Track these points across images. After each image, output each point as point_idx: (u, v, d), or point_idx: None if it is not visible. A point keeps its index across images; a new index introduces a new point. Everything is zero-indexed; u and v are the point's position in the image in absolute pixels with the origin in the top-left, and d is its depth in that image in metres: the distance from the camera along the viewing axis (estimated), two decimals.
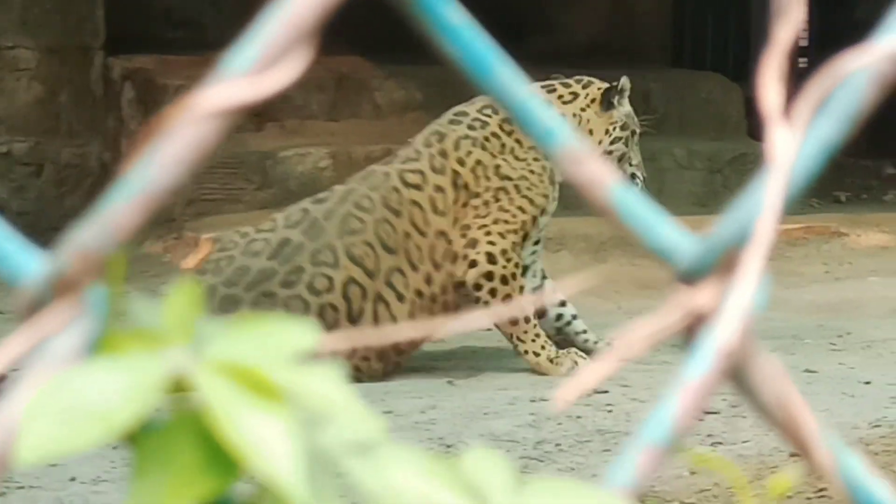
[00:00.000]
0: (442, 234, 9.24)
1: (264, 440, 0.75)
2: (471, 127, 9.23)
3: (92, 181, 10.67)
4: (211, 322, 0.80)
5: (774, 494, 0.85)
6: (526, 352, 9.06)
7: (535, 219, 9.25)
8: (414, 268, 9.23)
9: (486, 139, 9.35)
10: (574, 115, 9.38)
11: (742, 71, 14.05)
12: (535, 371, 9.02)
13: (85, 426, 0.74)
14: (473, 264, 9.03)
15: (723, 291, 0.82)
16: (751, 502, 0.84)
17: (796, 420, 0.84)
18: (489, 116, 9.27)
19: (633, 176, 9.17)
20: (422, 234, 9.11)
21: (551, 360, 9.17)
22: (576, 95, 9.35)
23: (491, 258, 8.92)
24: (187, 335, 0.78)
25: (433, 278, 9.13)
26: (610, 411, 7.99)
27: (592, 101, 9.14)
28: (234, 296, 8.61)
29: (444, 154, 9.23)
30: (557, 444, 7.31)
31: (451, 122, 9.23)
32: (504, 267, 8.94)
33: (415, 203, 9.24)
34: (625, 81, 9.01)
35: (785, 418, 0.84)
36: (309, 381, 0.77)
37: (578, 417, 7.68)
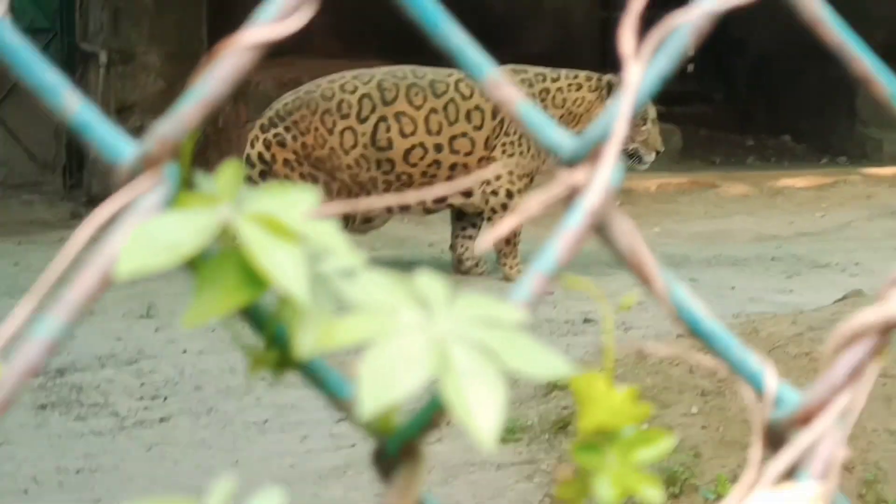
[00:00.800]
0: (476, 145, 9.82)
1: (282, 265, 0.86)
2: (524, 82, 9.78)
3: (197, 147, 11.33)
4: (247, 189, 0.90)
5: (624, 307, 1.03)
6: (505, 264, 9.77)
7: (538, 167, 9.78)
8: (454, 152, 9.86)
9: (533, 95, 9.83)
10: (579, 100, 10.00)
11: None
12: (507, 279, 9.81)
13: (163, 254, 0.85)
14: (495, 193, 9.62)
15: (591, 172, 0.94)
16: (610, 317, 1.02)
17: (641, 260, 0.95)
18: (542, 79, 9.85)
19: (634, 152, 9.64)
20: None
21: (520, 273, 9.81)
22: (580, 86, 9.90)
23: (509, 194, 9.32)
24: (231, 197, 0.89)
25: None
26: (555, 307, 8.54)
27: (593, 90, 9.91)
28: None
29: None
30: None
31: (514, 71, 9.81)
32: (511, 204, 9.61)
33: (477, 108, 9.70)
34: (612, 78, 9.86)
35: (634, 260, 0.95)
36: (314, 228, 0.89)
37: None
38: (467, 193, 9.97)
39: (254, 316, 0.93)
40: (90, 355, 8.35)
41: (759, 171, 13.92)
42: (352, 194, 9.85)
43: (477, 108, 9.96)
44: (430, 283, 0.91)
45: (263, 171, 9.90)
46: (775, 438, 1.01)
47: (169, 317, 8.95)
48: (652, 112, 9.97)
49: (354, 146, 9.97)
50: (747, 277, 10.01)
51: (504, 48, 14.36)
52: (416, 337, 0.87)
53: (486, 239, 0.95)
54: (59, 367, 8.18)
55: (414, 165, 10.03)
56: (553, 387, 7.26)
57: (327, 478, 6.75)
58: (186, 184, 0.92)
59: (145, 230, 0.88)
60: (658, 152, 10.07)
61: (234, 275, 0.89)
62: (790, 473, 0.98)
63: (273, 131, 9.99)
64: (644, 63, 0.95)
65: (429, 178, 9.95)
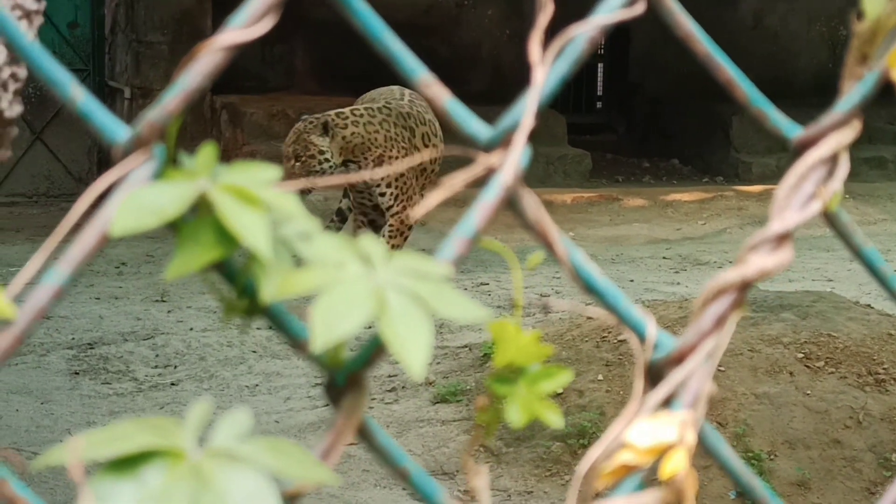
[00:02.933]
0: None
1: (249, 227, 0.84)
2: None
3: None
4: (221, 167, 0.88)
5: (530, 266, 1.01)
6: (394, 246, 9.23)
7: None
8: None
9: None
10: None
11: (565, 106, 14.75)
12: None
13: (150, 217, 0.83)
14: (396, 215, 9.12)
15: (504, 155, 0.92)
16: (518, 270, 1.01)
17: (545, 229, 0.96)
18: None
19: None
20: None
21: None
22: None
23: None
24: (208, 172, 0.87)
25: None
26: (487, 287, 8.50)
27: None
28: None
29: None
30: None
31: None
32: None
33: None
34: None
35: (539, 228, 0.96)
36: (276, 198, 0.86)
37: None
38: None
39: (227, 271, 0.90)
40: (115, 332, 8.31)
41: (653, 188, 13.96)
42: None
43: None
44: (372, 243, 0.89)
45: None
46: (655, 376, 0.99)
47: (179, 301, 8.94)
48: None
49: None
50: (643, 272, 10.03)
51: (450, 86, 14.45)
52: (359, 285, 0.85)
53: (419, 210, 0.92)
54: (90, 341, 8.14)
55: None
56: (488, 358, 7.24)
57: (305, 431, 6.75)
58: (172, 161, 0.89)
59: (135, 197, 0.86)
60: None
61: (210, 235, 0.87)
62: (666, 404, 0.97)
63: None
64: (547, 67, 0.93)
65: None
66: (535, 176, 13.25)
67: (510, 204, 0.94)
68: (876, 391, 6.43)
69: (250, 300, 0.90)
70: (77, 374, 7.62)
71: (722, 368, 6.57)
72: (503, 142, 0.93)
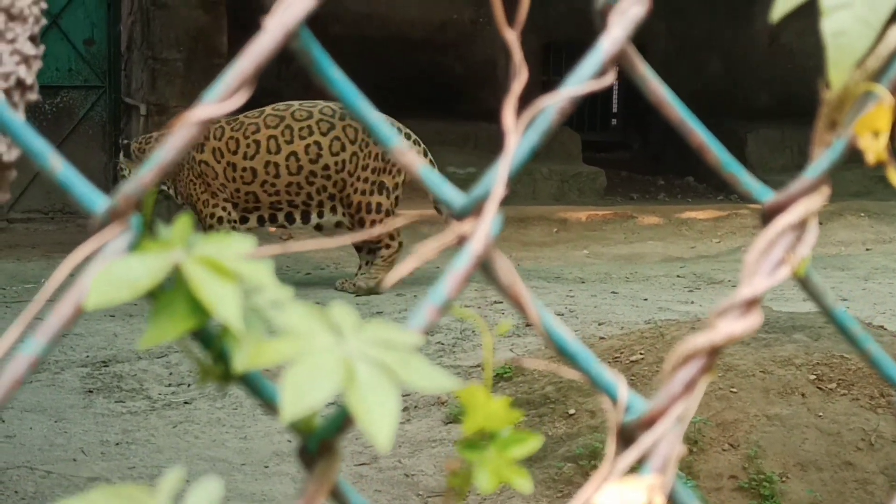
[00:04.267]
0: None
1: (220, 299, 0.86)
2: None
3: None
4: (197, 236, 0.89)
5: (501, 332, 1.02)
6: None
7: None
8: None
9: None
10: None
11: (580, 124, 14.77)
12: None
13: (124, 289, 0.85)
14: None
15: (476, 223, 0.93)
16: (487, 335, 1.01)
17: (518, 293, 0.96)
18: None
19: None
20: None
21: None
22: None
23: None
24: (183, 242, 0.88)
25: None
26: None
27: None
28: None
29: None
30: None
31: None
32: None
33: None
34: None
35: (512, 292, 0.97)
36: (248, 269, 0.88)
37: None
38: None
39: (203, 337, 0.92)
40: (128, 350, 8.33)
41: (668, 205, 13.96)
42: None
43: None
44: (342, 312, 0.91)
45: None
46: (627, 438, 1.00)
47: None
48: None
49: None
50: (657, 291, 10.01)
51: (465, 102, 14.33)
52: (328, 356, 0.87)
53: (392, 277, 0.94)
54: (104, 359, 8.16)
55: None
56: (501, 377, 7.25)
57: None
58: (149, 230, 0.91)
59: (110, 270, 0.87)
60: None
61: (185, 306, 0.89)
62: (637, 467, 0.98)
63: None
64: (520, 135, 0.95)
65: None
66: (549, 193, 13.27)
67: (483, 268, 0.95)
68: (888, 413, 6.43)
69: (225, 366, 0.92)
70: (91, 391, 7.64)
71: (734, 390, 6.58)
72: (475, 210, 0.95)
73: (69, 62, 13.29)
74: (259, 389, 0.94)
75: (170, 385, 7.79)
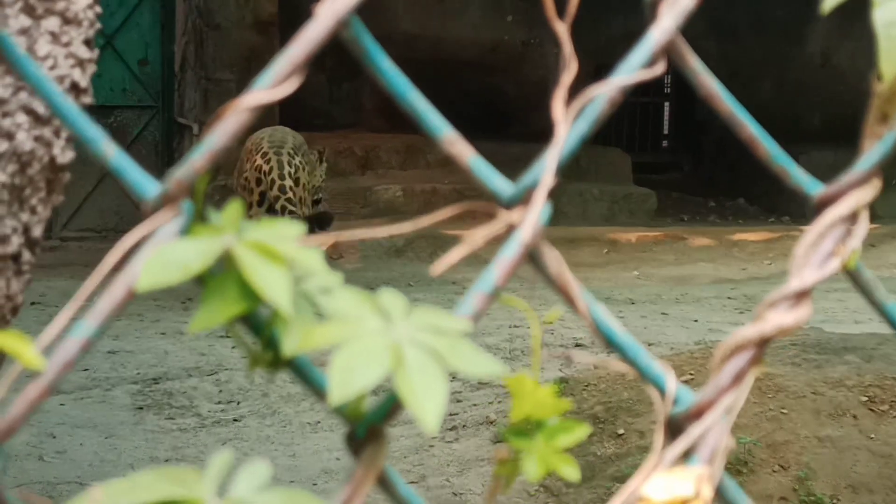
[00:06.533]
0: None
1: (271, 283, 0.86)
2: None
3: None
4: (247, 222, 0.90)
5: (550, 320, 1.02)
6: None
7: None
8: None
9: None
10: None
11: (631, 145, 14.73)
12: None
13: (175, 272, 0.85)
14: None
15: (524, 212, 0.93)
16: (536, 325, 1.01)
17: (567, 283, 0.95)
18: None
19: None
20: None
21: None
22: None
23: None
24: (235, 228, 0.88)
25: None
26: (552, 333, 8.58)
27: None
28: None
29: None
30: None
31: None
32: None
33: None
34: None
35: (560, 282, 0.98)
36: (299, 254, 0.88)
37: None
38: None
39: (253, 323, 0.92)
40: (179, 367, 8.37)
41: (719, 227, 13.91)
42: None
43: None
44: (391, 297, 0.91)
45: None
46: (675, 430, 1.00)
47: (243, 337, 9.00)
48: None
49: None
50: (707, 312, 9.97)
51: (516, 124, 14.33)
52: (377, 340, 0.87)
53: (441, 264, 0.94)
54: (154, 376, 8.20)
55: None
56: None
57: None
58: (200, 217, 0.91)
59: (162, 253, 0.87)
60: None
61: (235, 290, 0.89)
62: (684, 458, 0.98)
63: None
64: (569, 125, 0.95)
65: None
66: (599, 214, 13.26)
67: (531, 258, 0.95)
68: None
69: (275, 352, 0.92)
70: (141, 408, 7.68)
71: (784, 411, 6.53)
72: (524, 199, 0.95)
73: (123, 82, 13.40)
74: (307, 375, 0.94)
75: (219, 402, 7.82)
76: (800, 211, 14.55)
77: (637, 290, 10.98)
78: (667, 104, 16.77)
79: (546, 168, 0.93)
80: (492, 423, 7.12)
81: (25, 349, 0.85)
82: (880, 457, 6.29)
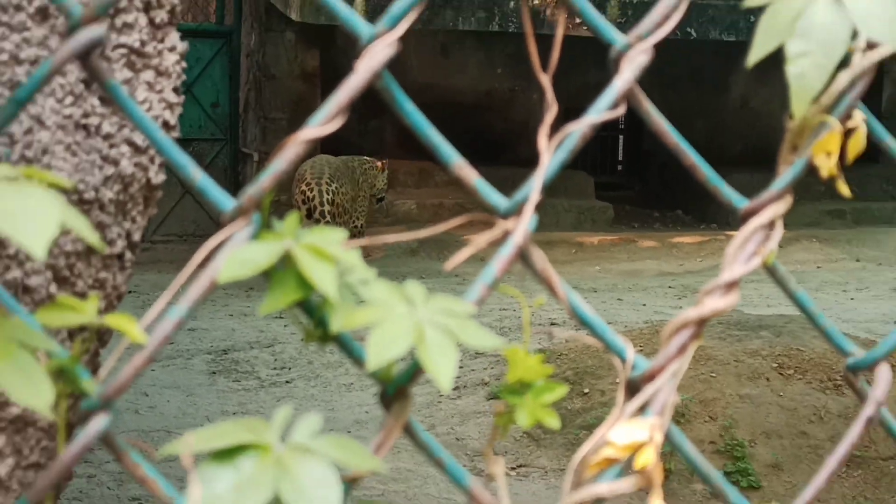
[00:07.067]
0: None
1: (322, 276, 0.86)
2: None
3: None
4: (303, 229, 0.91)
5: (538, 304, 1.02)
6: None
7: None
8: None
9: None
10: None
11: (593, 169, 14.72)
12: None
13: (248, 267, 0.85)
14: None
15: (518, 221, 0.95)
16: (527, 308, 1.01)
17: (549, 276, 1.00)
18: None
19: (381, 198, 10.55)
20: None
21: None
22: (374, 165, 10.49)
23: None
24: (293, 234, 0.89)
25: None
26: (533, 313, 8.65)
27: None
28: None
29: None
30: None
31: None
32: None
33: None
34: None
35: (544, 275, 1.00)
36: (343, 254, 0.88)
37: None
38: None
39: (307, 308, 0.92)
40: (244, 341, 8.38)
41: (662, 233, 13.89)
42: None
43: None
44: (415, 287, 0.91)
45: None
46: (633, 389, 1.00)
47: (294, 318, 9.00)
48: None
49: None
50: (653, 298, 9.96)
51: (505, 153, 14.31)
52: (404, 320, 0.87)
53: (453, 261, 0.94)
54: (224, 348, 8.21)
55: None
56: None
57: None
58: (266, 225, 0.91)
59: (237, 254, 0.88)
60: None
61: (293, 282, 0.89)
62: (641, 411, 0.98)
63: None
64: (551, 153, 0.95)
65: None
66: (568, 223, 13.27)
67: (522, 257, 0.95)
68: (835, 394, 6.36)
69: (324, 330, 0.92)
70: (214, 373, 7.68)
71: (713, 375, 6.52)
72: (516, 211, 0.95)
73: (199, 120, 13.41)
74: (349, 348, 0.94)
75: (274, 368, 7.82)
76: (725, 219, 14.54)
77: (598, 281, 10.97)
78: (621, 137, 16.76)
79: (534, 187, 0.93)
80: (486, 384, 7.13)
81: (132, 327, 0.86)
82: (787, 410, 6.30)
